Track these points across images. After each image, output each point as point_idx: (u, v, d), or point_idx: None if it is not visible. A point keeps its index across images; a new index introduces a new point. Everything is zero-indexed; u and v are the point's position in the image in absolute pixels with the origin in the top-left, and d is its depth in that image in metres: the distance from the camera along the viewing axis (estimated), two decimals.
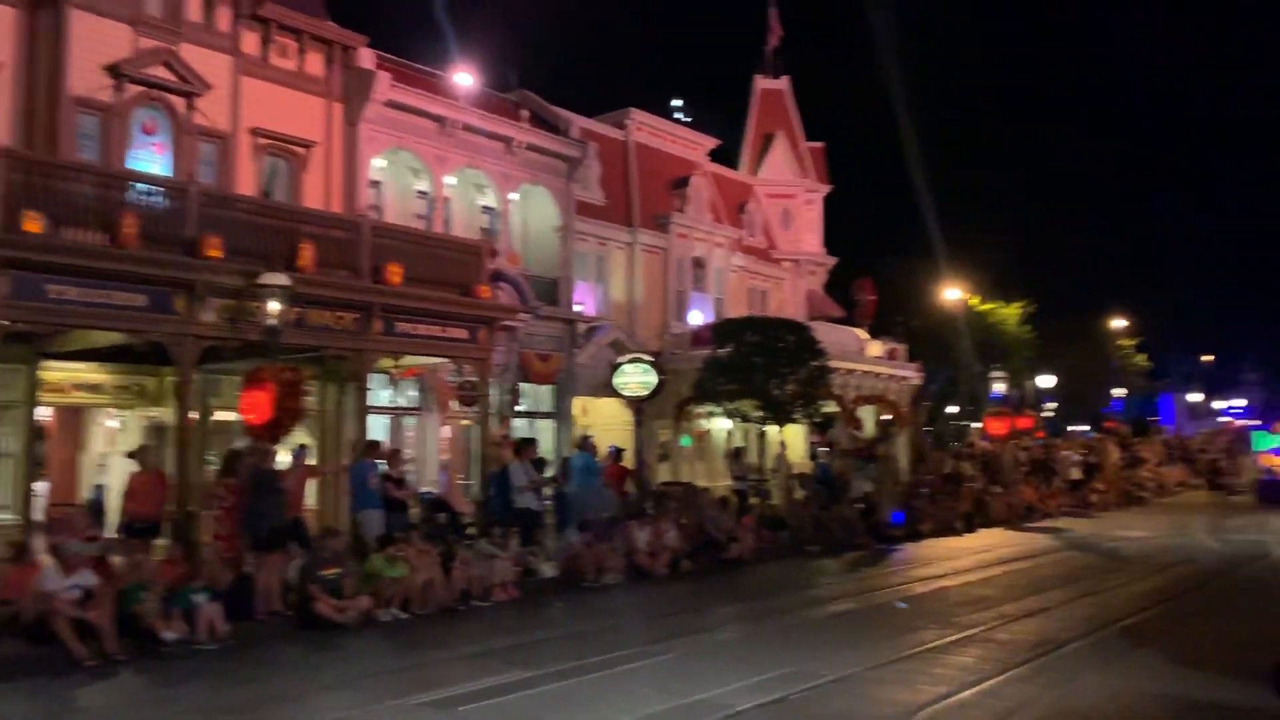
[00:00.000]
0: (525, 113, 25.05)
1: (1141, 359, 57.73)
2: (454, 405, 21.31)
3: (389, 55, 22.72)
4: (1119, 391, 57.96)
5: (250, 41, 19.23)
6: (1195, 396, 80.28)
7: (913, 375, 31.38)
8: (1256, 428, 35.87)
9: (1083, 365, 50.29)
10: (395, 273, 15.72)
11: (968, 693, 8.81)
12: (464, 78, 23.16)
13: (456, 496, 19.11)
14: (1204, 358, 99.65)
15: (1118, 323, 54.49)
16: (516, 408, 22.01)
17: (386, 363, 18.06)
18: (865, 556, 19.16)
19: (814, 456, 26.36)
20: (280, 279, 13.45)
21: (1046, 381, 43.68)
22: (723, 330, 23.83)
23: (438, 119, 22.36)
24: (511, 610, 13.24)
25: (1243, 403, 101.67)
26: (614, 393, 22.46)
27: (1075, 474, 32.33)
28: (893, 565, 17.97)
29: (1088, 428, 51.22)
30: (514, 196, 24.51)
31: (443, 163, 22.74)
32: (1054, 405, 49.53)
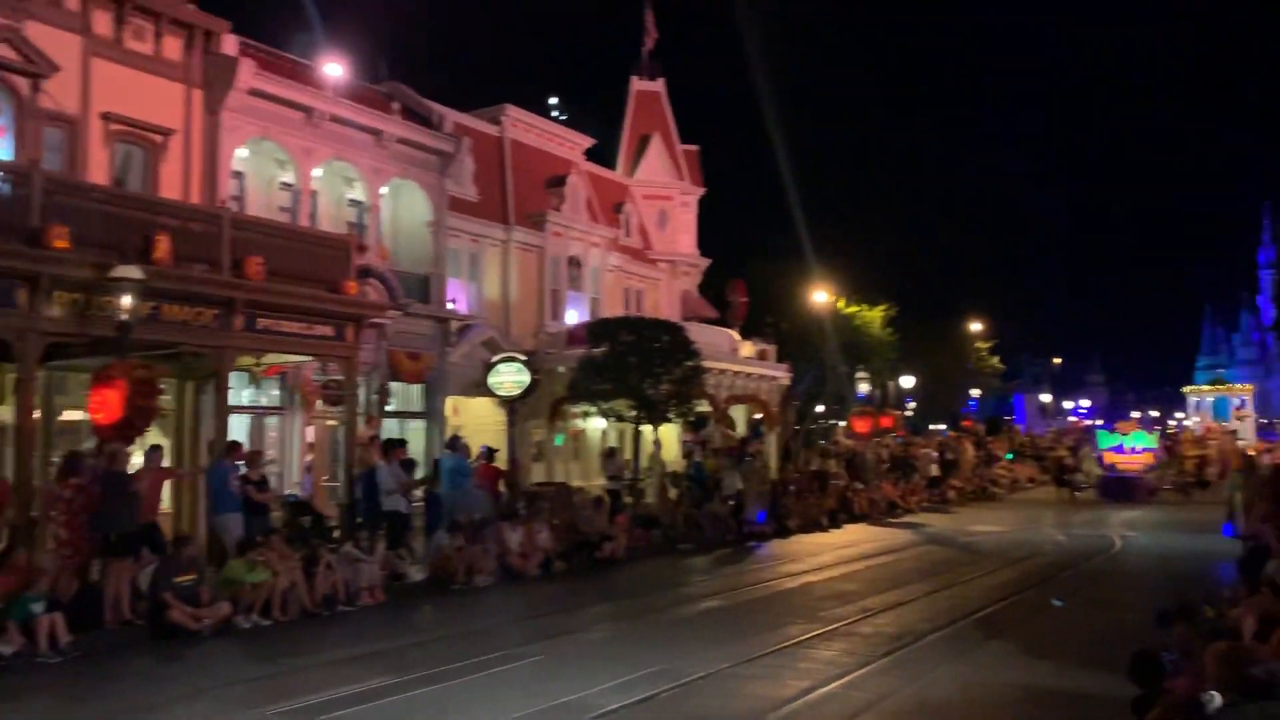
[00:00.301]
0: (397, 105, 24.54)
1: (995, 361, 60.33)
2: (319, 405, 20.73)
3: (253, 42, 21.91)
4: (975, 392, 60.52)
5: (103, 22, 18.24)
6: (1045, 397, 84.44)
7: (782, 375, 32.06)
8: (1100, 427, 37.78)
9: (941, 366, 52.30)
10: (257, 267, 15.17)
11: (831, 686, 9.04)
12: (333, 68, 22.53)
13: (321, 499, 18.61)
14: (1054, 360, 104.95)
15: (974, 326, 56.84)
16: (385, 407, 21.53)
17: (247, 360, 17.42)
18: (736, 553, 19.47)
19: (687, 455, 26.64)
20: (133, 272, 12.79)
21: (908, 382, 45.30)
22: (598, 330, 23.85)
23: (305, 109, 21.68)
24: (378, 615, 12.96)
25: (1088, 403, 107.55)
26: (487, 392, 22.24)
27: (934, 471, 33.61)
28: (761, 561, 18.29)
29: (945, 426, 53.27)
30: (384, 191, 23.96)
31: (310, 154, 22.07)
32: (914, 405, 51.36)
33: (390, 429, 21.91)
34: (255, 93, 20.58)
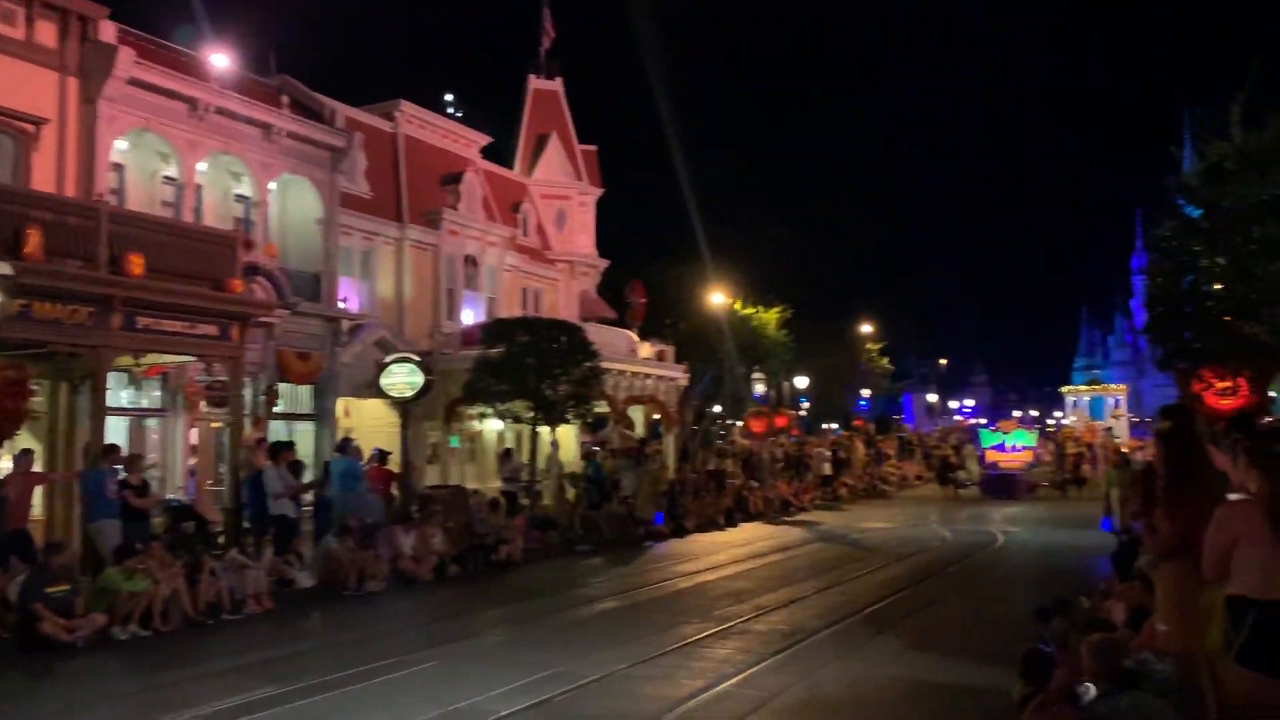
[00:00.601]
0: (286, 99, 23.90)
1: (885, 362, 61.93)
2: (203, 407, 20.05)
3: (134, 30, 21.09)
4: (866, 392, 62.03)
5: None
6: (932, 397, 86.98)
7: (680, 376, 32.30)
8: (983, 425, 38.99)
9: (834, 367, 53.45)
10: (137, 263, 14.59)
11: (725, 685, 9.12)
12: (219, 59, 21.84)
13: (205, 504, 18.00)
14: (940, 361, 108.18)
15: (865, 328, 58.23)
16: (273, 409, 20.97)
17: (126, 360, 16.76)
18: (633, 554, 19.52)
19: (585, 456, 26.62)
20: (2, 268, 12.18)
21: (802, 382, 46.18)
22: (495, 330, 23.64)
23: (189, 101, 20.96)
24: (265, 623, 12.58)
25: (972, 402, 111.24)
26: (380, 393, 21.80)
27: (826, 469, 34.32)
28: (658, 562, 18.38)
29: (838, 425, 54.45)
30: (273, 186, 23.34)
31: (194, 148, 21.34)
32: (808, 404, 52.38)
33: (278, 431, 21.37)
34: (135, 82, 19.81)
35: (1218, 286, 10.78)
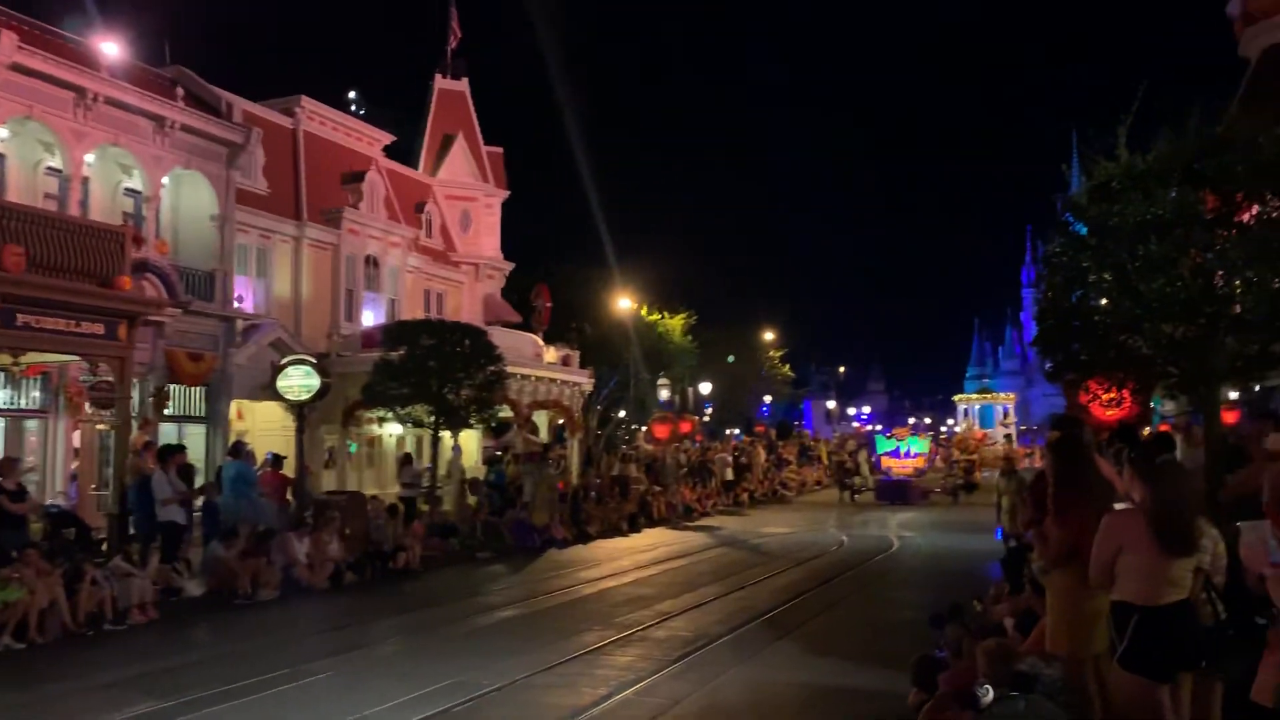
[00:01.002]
0: (181, 91, 23.11)
1: (786, 369, 62.84)
2: (88, 408, 19.22)
3: (18, 14, 20.17)
4: (767, 398, 62.87)
5: None
6: (831, 403, 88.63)
7: (585, 381, 32.21)
8: (879, 433, 39.81)
9: (737, 373, 54.02)
10: (16, 257, 13.89)
11: (626, 693, 9.09)
12: (110, 47, 21.05)
13: (88, 509, 17.26)
14: (839, 369, 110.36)
15: (767, 335, 59.02)
16: (163, 411, 20.24)
17: (5, 359, 15.95)
18: (535, 561, 19.38)
19: (488, 462, 26.34)
20: None
21: (705, 388, 46.54)
22: (396, 332, 23.21)
23: (76, 89, 20.10)
24: (150, 634, 12.10)
25: (869, 409, 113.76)
26: (275, 395, 21.20)
27: (729, 474, 34.62)
28: (561, 568, 18.26)
29: (740, 431, 55.05)
30: (166, 181, 22.55)
31: (81, 138, 20.48)
32: (711, 410, 52.83)
33: (168, 434, 20.67)
34: (17, 68, 18.94)
35: (1104, 301, 11.20)
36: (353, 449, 26.83)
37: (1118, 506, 5.66)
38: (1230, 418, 17.98)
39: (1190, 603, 5.23)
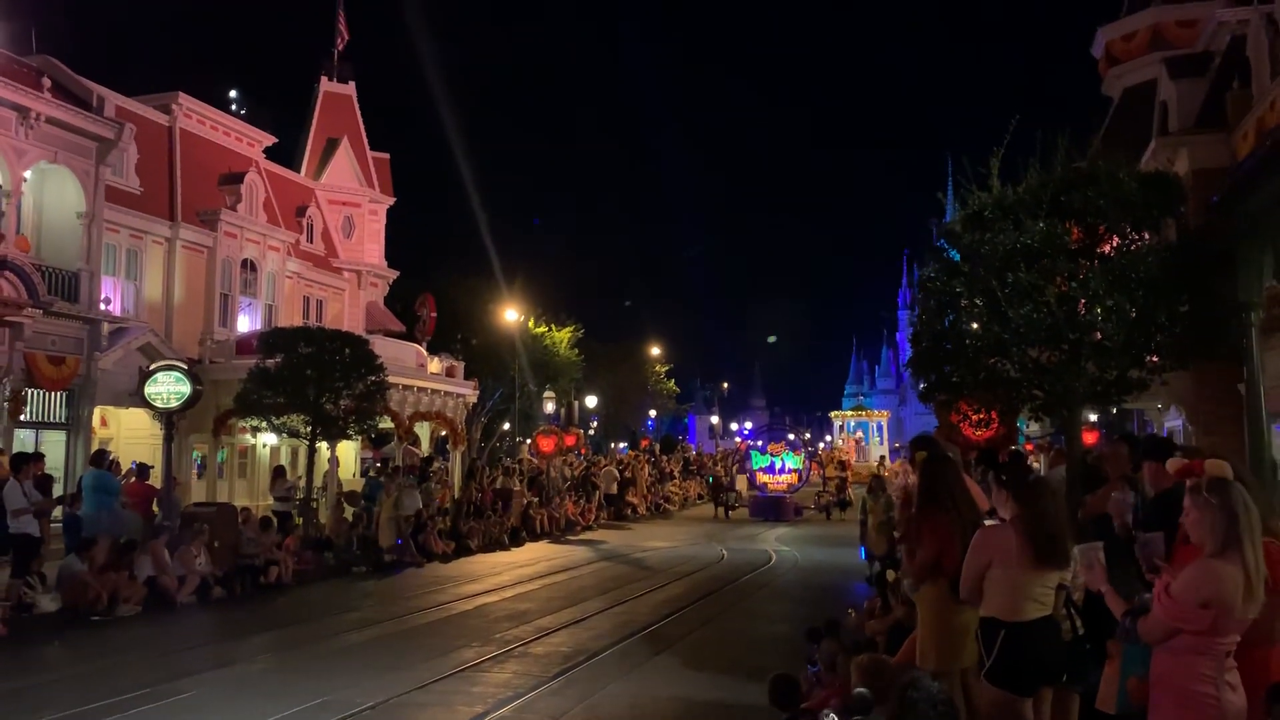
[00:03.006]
0: (48, 82, 22.00)
1: (671, 384, 63.37)
2: None
3: None
4: (653, 412, 63.24)
5: None
6: (714, 418, 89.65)
7: (469, 392, 31.83)
8: (754, 447, 39.19)
9: (622, 387, 54.23)
10: None
11: (503, 710, 8.98)
12: None
13: None
14: (722, 385, 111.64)
15: (653, 350, 59.43)
16: (18, 416, 19.17)
17: None
18: (412, 576, 19.01)
19: (366, 474, 25.74)
20: None
21: (591, 401, 46.54)
22: (273, 339, 22.49)
23: None
24: None
25: (750, 425, 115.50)
26: (143, 402, 20.31)
27: (613, 488, 34.60)
28: (439, 583, 17.96)
29: (625, 445, 55.19)
30: (28, 175, 21.41)
31: None
32: (596, 423, 52.87)
33: (23, 442, 19.62)
34: None
35: (975, 326, 11.62)
36: (221, 458, 25.93)
37: (987, 523, 5.86)
38: (1090, 439, 18.87)
39: (1053, 619, 5.43)
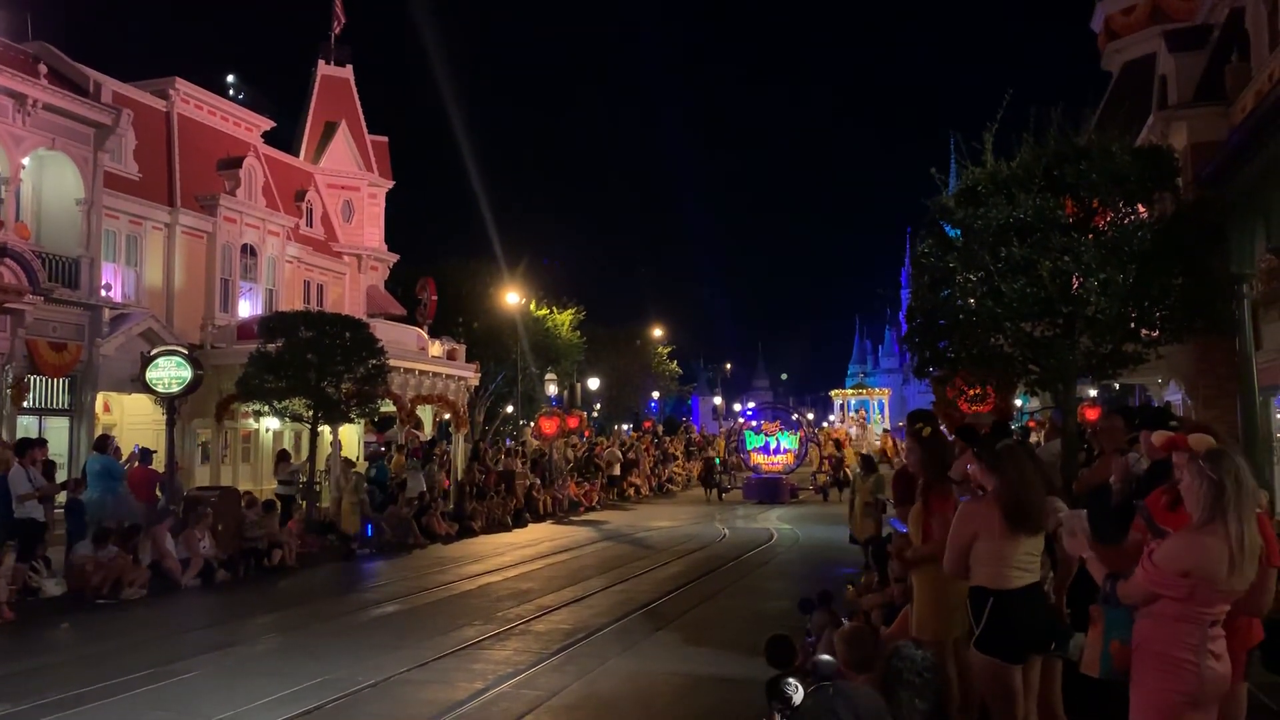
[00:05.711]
0: (45, 68, 21.99)
1: (674, 365, 63.41)
2: None
3: None
4: (655, 394, 63.31)
5: None
6: (717, 399, 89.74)
7: (471, 375, 31.89)
8: (749, 427, 38.14)
9: (625, 369, 54.28)
10: None
11: (503, 686, 9.08)
12: None
13: None
14: (725, 366, 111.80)
15: (655, 332, 59.45)
16: (22, 403, 19.26)
17: None
18: (416, 557, 19.14)
19: (370, 457, 25.86)
20: None
21: (594, 383, 46.61)
22: (274, 324, 22.53)
23: None
24: (4, 636, 11.54)
25: (754, 405, 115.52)
26: (145, 388, 20.41)
27: (616, 470, 34.75)
28: (442, 564, 18.08)
29: (628, 426, 55.30)
30: (27, 162, 21.44)
31: None
32: (599, 405, 52.96)
33: (28, 427, 19.74)
34: None
35: (970, 301, 11.61)
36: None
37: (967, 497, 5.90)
38: (1093, 415, 18.86)
39: (1040, 586, 5.48)
